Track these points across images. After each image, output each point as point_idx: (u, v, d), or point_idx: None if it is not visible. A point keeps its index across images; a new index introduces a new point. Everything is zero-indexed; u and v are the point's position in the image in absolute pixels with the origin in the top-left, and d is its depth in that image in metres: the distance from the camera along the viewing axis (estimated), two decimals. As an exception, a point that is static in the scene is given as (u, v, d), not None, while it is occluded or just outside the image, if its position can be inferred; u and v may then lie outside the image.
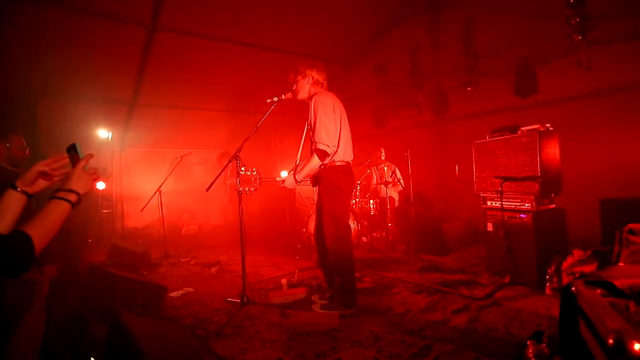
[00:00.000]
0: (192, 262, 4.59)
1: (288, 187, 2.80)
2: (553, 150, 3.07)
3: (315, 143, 2.62)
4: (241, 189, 2.71)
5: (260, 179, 2.77)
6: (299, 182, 2.76)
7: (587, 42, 3.88)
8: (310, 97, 2.76)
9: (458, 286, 3.13)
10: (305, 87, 2.80)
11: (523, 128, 3.13)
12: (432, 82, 5.66)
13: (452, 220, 4.93)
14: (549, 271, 2.77)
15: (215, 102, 6.59)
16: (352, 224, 4.56)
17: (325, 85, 2.86)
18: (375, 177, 5.44)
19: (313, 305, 2.79)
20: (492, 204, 3.34)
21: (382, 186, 5.00)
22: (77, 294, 2.90)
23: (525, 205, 3.08)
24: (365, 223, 4.98)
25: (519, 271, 3.06)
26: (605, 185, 3.61)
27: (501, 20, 4.57)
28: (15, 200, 1.06)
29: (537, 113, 4.25)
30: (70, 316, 2.69)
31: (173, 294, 3.24)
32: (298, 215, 5.49)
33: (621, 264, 1.62)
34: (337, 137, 2.68)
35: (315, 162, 2.65)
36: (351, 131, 2.86)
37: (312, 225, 4.17)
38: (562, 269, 2.66)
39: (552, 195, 3.13)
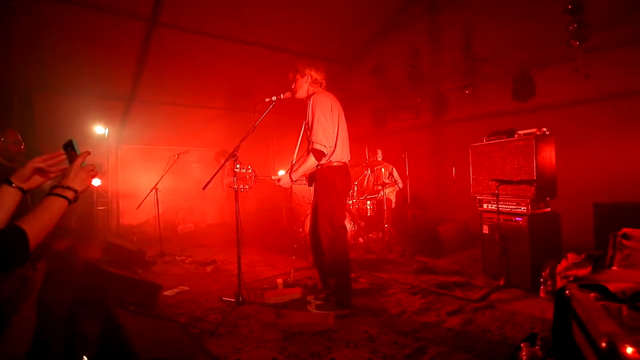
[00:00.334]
0: (187, 261, 4.57)
1: (284, 186, 2.79)
2: (549, 155, 3.09)
3: (312, 143, 2.61)
4: (235, 186, 2.70)
5: (255, 177, 2.76)
6: (295, 182, 2.75)
7: (585, 49, 3.92)
8: (308, 97, 2.76)
9: (453, 288, 3.14)
10: (303, 86, 2.80)
11: (520, 132, 3.15)
12: (431, 85, 5.68)
13: (448, 222, 4.94)
14: (543, 274, 2.78)
15: (213, 100, 6.57)
16: (349, 225, 4.56)
17: (324, 84, 2.86)
18: (372, 178, 5.44)
19: (308, 306, 2.79)
20: (488, 206, 3.36)
21: (379, 187, 5.00)
22: (71, 290, 2.88)
23: (521, 209, 3.09)
24: (362, 224, 4.98)
25: (514, 274, 3.07)
26: (599, 190, 3.64)
27: (500, 25, 4.60)
28: (10, 196, 1.05)
29: (534, 117, 4.28)
30: (63, 312, 2.67)
31: (167, 293, 3.22)
32: (295, 215, 5.48)
33: (615, 267, 1.64)
34: (334, 137, 2.68)
35: (312, 161, 2.64)
36: (349, 131, 2.86)
37: (308, 225, 4.17)
38: (556, 272, 2.67)
39: (548, 199, 3.15)
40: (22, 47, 4.29)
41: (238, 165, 2.69)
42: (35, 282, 2.01)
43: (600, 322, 0.91)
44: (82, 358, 1.89)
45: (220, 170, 2.92)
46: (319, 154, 2.62)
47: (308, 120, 2.69)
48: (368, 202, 5.00)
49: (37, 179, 1.12)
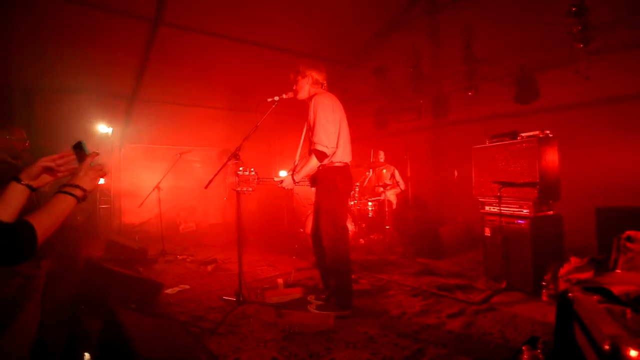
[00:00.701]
0: (188, 260, 4.58)
1: (286, 188, 2.80)
2: (552, 157, 3.08)
3: (314, 144, 2.61)
4: (239, 189, 2.71)
5: (258, 179, 2.77)
6: (297, 183, 2.76)
7: (588, 51, 3.90)
8: (310, 98, 2.76)
9: (454, 290, 3.13)
10: (305, 87, 2.80)
11: (523, 134, 3.14)
12: (433, 86, 5.67)
13: (450, 224, 4.93)
14: (545, 277, 2.77)
15: (215, 100, 6.59)
16: (350, 226, 4.55)
17: (325, 85, 2.86)
18: (374, 179, 5.44)
19: (309, 306, 2.79)
20: (490, 209, 3.35)
21: (380, 188, 5.00)
22: (73, 288, 2.89)
23: (523, 211, 3.08)
24: (363, 225, 4.98)
25: (516, 277, 3.06)
26: (601, 193, 3.63)
27: (502, 26, 4.58)
28: (18, 193, 1.08)
29: (536, 119, 4.26)
30: (65, 310, 2.68)
31: (168, 291, 3.23)
32: (296, 215, 5.48)
33: (618, 270, 1.63)
34: (336, 138, 2.68)
35: (314, 162, 2.65)
36: (351, 132, 2.86)
37: (309, 226, 4.17)
38: (559, 275, 2.66)
39: (550, 201, 3.14)
40: (23, 46, 4.31)
41: (241, 168, 2.69)
42: (39, 280, 2.02)
43: (604, 324, 0.91)
44: (84, 356, 1.90)
45: (223, 170, 2.92)
46: (321, 155, 2.62)
47: (310, 121, 2.69)
48: (369, 203, 5.00)
49: (45, 178, 1.16)
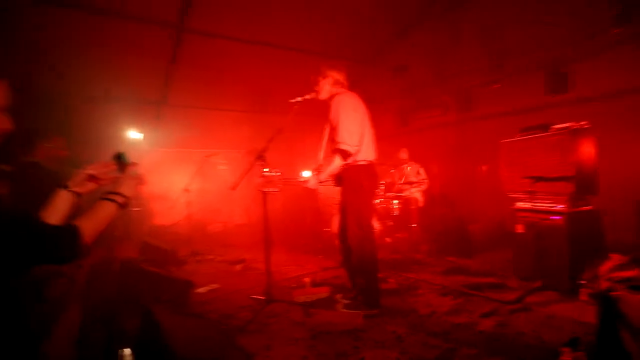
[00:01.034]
0: (217, 260, 4.70)
1: (311, 187, 2.82)
2: (588, 150, 2.93)
3: (337, 143, 2.62)
4: (265, 189, 2.75)
5: (283, 179, 2.80)
6: (322, 182, 2.77)
7: (627, 36, 3.66)
8: (331, 98, 2.77)
9: (485, 289, 3.04)
10: (326, 87, 2.81)
11: (555, 126, 3.00)
12: (457, 81, 5.52)
13: (478, 221, 4.79)
14: (583, 276, 2.64)
15: (238, 103, 6.72)
16: (376, 224, 4.52)
17: (346, 84, 2.86)
18: (398, 177, 5.37)
19: (336, 305, 2.80)
20: (521, 204, 3.23)
21: (406, 186, 4.93)
22: (110, 288, 3.03)
23: (558, 207, 2.94)
24: (389, 223, 4.93)
25: (550, 275, 2.93)
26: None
27: (531, 14, 4.38)
28: (65, 199, 1.19)
29: (570, 112, 4.05)
30: (104, 308, 2.82)
31: (200, 290, 3.33)
32: (320, 215, 5.50)
33: (666, 269, 1.53)
34: (359, 136, 2.67)
35: (337, 162, 2.65)
36: (374, 131, 2.84)
37: (334, 225, 4.17)
38: (599, 273, 2.52)
39: (588, 196, 2.98)
40: (61, 57, 4.58)
41: (267, 169, 2.74)
42: (81, 280, 2.14)
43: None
44: (123, 352, 1.99)
45: (248, 171, 2.98)
46: (345, 154, 2.62)
47: (332, 121, 2.70)
48: (395, 202, 4.94)
49: (89, 185, 1.25)
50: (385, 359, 2.01)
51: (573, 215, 2.88)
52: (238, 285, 3.52)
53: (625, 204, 3.08)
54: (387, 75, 6.26)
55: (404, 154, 5.29)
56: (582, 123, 2.90)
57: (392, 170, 5.42)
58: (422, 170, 5.22)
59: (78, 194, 1.22)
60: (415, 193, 5.03)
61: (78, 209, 1.17)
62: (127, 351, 1.88)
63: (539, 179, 2.95)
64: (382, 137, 4.87)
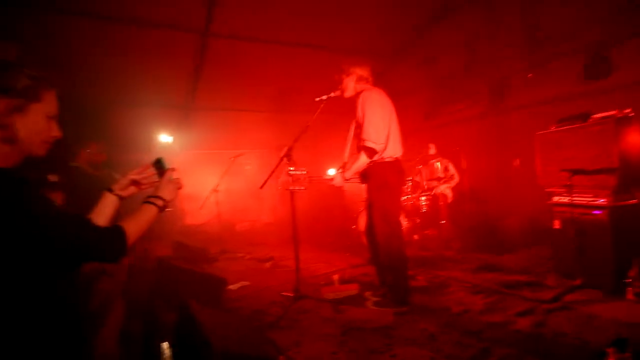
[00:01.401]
0: (246, 258, 4.81)
1: (337, 185, 2.82)
2: (634, 140, 2.73)
3: (363, 140, 2.60)
4: (292, 187, 2.79)
5: (309, 177, 2.83)
6: (348, 180, 2.77)
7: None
8: (357, 95, 2.75)
9: (521, 287, 2.93)
10: (350, 84, 2.79)
11: (596, 115, 2.83)
12: (490, 70, 5.31)
13: (511, 217, 4.61)
14: (630, 274, 2.48)
15: (263, 103, 6.82)
16: (404, 221, 4.46)
17: (371, 80, 2.82)
18: (426, 173, 5.27)
19: (366, 302, 2.79)
20: (559, 199, 3.07)
21: (434, 182, 4.83)
22: (148, 284, 3.19)
23: (599, 201, 2.78)
24: (417, 220, 4.85)
25: (592, 273, 2.77)
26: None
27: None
28: (110, 202, 1.28)
29: (610, 99, 3.79)
30: (143, 303, 2.97)
31: (231, 287, 3.42)
32: (347, 212, 5.50)
33: None
34: (386, 133, 2.64)
35: (363, 159, 2.64)
36: (400, 126, 2.80)
37: (362, 223, 4.16)
38: (647, 271, 2.37)
39: (633, 189, 2.79)
40: (102, 66, 4.85)
41: (293, 168, 2.77)
42: (123, 276, 2.27)
43: None
44: (162, 345, 2.09)
45: (275, 170, 3.03)
46: (371, 152, 2.60)
47: (358, 118, 2.69)
48: (422, 198, 4.85)
49: (131, 189, 1.34)
50: (419, 357, 1.99)
51: (617, 209, 2.71)
52: (268, 282, 3.59)
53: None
54: (414, 68, 6.12)
55: (432, 149, 5.18)
56: (627, 111, 2.72)
57: (419, 167, 5.32)
58: (451, 166, 5.09)
59: (122, 197, 1.30)
60: (445, 189, 4.91)
61: (118, 211, 1.26)
62: (166, 344, 1.97)
63: (577, 171, 2.80)
64: (409, 132, 4.79)
